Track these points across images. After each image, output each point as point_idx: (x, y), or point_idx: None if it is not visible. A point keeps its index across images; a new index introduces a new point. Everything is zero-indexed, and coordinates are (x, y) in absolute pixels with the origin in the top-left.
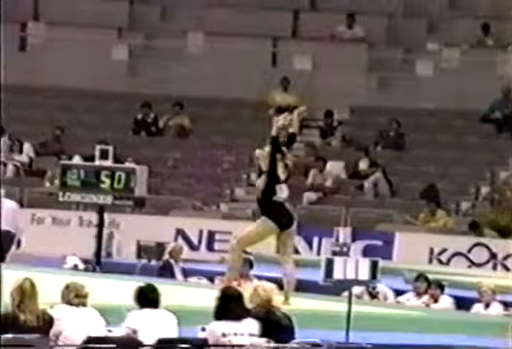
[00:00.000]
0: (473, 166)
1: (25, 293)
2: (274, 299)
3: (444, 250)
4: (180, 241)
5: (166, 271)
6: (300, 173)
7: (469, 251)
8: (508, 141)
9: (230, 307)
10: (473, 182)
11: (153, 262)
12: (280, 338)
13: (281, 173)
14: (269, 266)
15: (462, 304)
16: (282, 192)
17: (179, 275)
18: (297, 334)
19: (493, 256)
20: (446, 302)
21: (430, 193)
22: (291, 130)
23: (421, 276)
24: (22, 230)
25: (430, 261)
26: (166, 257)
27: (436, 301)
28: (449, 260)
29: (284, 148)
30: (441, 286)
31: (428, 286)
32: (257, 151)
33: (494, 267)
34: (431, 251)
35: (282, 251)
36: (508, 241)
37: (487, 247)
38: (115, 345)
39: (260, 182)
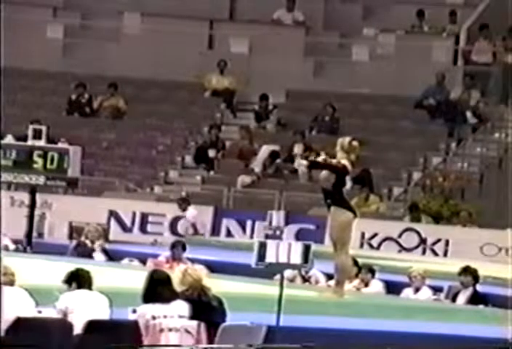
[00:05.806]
0: (406, 151)
1: None
2: (204, 281)
3: (375, 235)
4: (113, 222)
5: (81, 252)
6: (234, 156)
7: (399, 236)
8: (440, 127)
9: (158, 290)
10: (405, 168)
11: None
12: (211, 320)
13: (349, 165)
14: (202, 249)
15: (393, 288)
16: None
17: (99, 257)
18: (228, 317)
19: (423, 241)
20: (376, 286)
21: (363, 178)
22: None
23: (352, 260)
24: None
25: (362, 245)
26: (82, 238)
27: (366, 285)
28: (379, 245)
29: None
30: (371, 271)
31: (359, 270)
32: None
33: (424, 252)
34: (362, 235)
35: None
36: (438, 226)
37: (417, 232)
38: (44, 326)
39: (328, 173)
